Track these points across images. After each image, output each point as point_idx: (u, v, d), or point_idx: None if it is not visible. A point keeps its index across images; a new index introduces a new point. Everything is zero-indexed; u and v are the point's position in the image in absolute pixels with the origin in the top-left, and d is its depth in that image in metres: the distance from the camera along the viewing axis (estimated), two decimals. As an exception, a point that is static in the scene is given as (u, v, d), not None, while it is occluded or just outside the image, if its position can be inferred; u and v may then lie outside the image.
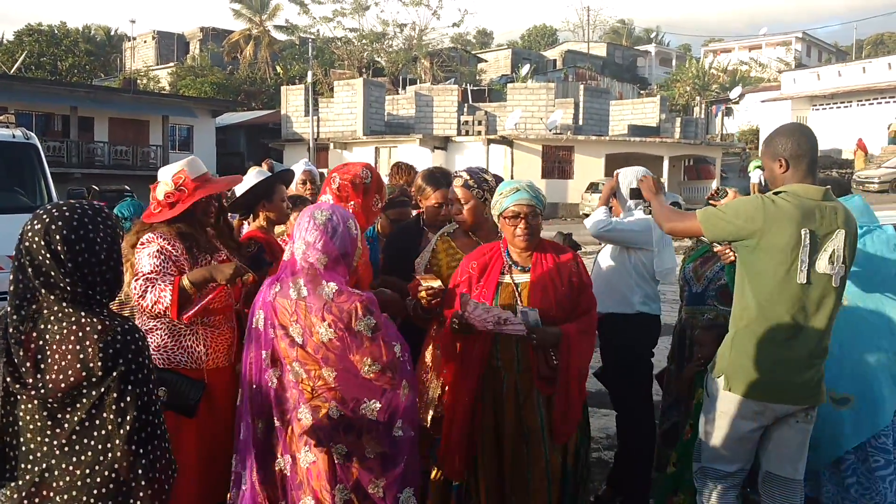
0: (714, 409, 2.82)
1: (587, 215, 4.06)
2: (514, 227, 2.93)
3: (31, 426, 1.70)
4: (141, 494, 1.69)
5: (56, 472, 1.69)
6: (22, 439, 1.71)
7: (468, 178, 3.29)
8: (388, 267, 3.57)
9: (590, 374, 3.29)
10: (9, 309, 1.73)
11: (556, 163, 27.40)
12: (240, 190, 3.72)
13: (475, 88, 38.68)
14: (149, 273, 2.73)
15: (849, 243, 2.68)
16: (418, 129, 28.70)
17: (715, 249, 3.47)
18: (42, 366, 1.69)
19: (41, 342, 1.70)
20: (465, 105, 31.06)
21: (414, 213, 4.09)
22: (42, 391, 1.67)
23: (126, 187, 22.81)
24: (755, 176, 27.15)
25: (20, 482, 1.71)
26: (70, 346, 1.68)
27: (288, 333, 2.48)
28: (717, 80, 46.17)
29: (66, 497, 1.68)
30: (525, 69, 42.07)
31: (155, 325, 2.85)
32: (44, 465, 1.70)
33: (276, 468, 2.55)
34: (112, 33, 58.00)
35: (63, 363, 1.67)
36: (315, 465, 2.47)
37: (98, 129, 30.52)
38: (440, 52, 40.97)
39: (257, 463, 2.55)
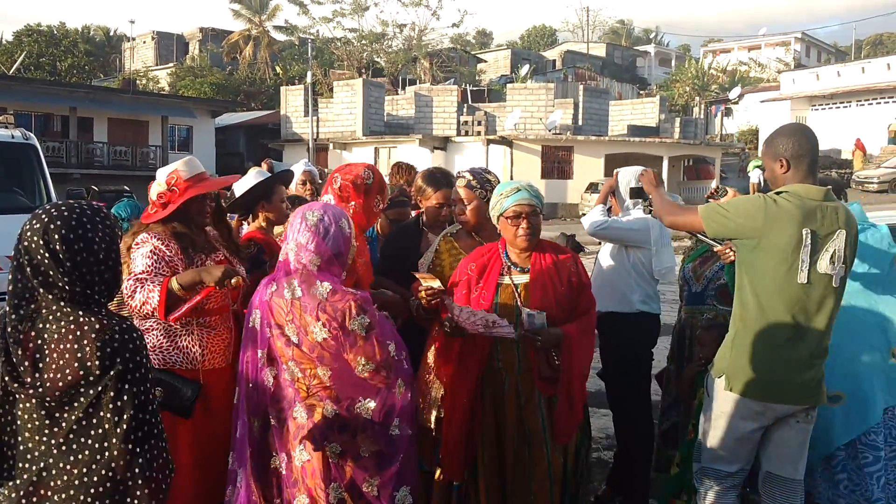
0: (715, 409, 2.82)
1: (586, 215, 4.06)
2: (515, 228, 2.92)
3: (29, 425, 1.71)
4: (138, 493, 1.69)
5: (54, 472, 1.69)
6: (20, 438, 1.71)
7: (471, 178, 3.29)
8: (385, 267, 3.56)
9: (590, 374, 3.29)
10: (7, 308, 1.73)
11: (556, 163, 27.40)
12: (239, 190, 3.72)
13: (475, 89, 38.68)
14: (139, 273, 2.73)
15: (850, 244, 2.68)
16: (418, 129, 28.70)
17: (715, 249, 3.47)
18: (40, 365, 1.69)
19: (39, 341, 1.70)
20: (465, 105, 31.07)
21: (413, 213, 4.09)
22: (40, 390, 1.68)
23: (125, 188, 22.81)
24: (754, 176, 27.16)
25: (18, 481, 1.71)
26: (68, 345, 1.68)
27: (284, 333, 2.49)
28: (717, 81, 46.18)
29: (63, 496, 1.68)
30: (524, 69, 42.07)
31: (151, 326, 2.85)
32: (41, 465, 1.70)
33: (272, 466, 2.56)
34: (111, 34, 58.00)
35: (61, 362, 1.68)
36: (309, 464, 2.48)
37: (97, 129, 30.51)
38: (440, 53, 40.99)
39: (252, 461, 2.56)
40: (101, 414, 1.67)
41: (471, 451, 2.96)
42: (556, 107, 28.48)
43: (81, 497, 1.68)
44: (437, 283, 3.06)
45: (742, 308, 2.75)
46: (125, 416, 1.67)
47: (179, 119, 32.23)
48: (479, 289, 2.97)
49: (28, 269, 1.72)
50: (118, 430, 1.66)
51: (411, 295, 3.19)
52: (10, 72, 34.67)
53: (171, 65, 48.46)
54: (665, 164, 27.62)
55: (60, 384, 1.67)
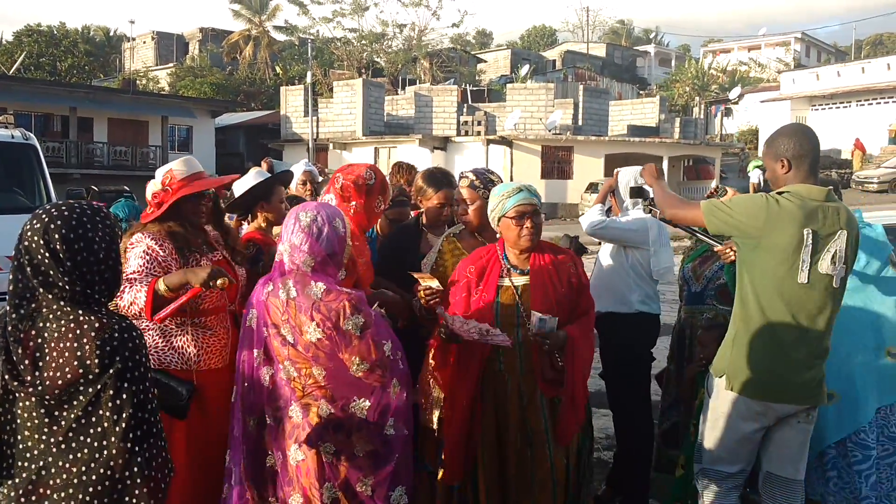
0: (715, 409, 2.81)
1: (586, 215, 4.06)
2: (519, 228, 2.92)
3: (29, 424, 1.71)
4: (136, 493, 1.69)
5: (52, 470, 1.70)
6: (19, 437, 1.72)
7: (474, 178, 3.28)
8: (383, 267, 3.54)
9: (590, 374, 3.28)
10: (8, 307, 1.74)
11: (556, 163, 27.39)
12: (238, 191, 3.72)
13: (475, 89, 38.67)
14: (130, 274, 2.73)
15: (851, 244, 2.67)
16: (418, 129, 28.70)
17: (715, 249, 3.47)
18: (40, 363, 1.69)
19: (40, 340, 1.71)
20: (465, 105, 31.06)
21: (413, 213, 4.08)
22: (39, 388, 1.68)
23: (125, 188, 22.80)
24: (754, 176, 27.17)
25: (17, 480, 1.71)
26: (67, 344, 1.69)
27: (280, 332, 2.50)
28: (717, 81, 46.16)
29: (62, 495, 1.69)
30: (524, 69, 42.04)
31: (147, 325, 2.84)
32: (41, 463, 1.70)
33: (268, 465, 2.56)
34: (111, 34, 58.00)
35: (60, 360, 1.68)
36: (304, 463, 2.48)
37: (97, 129, 30.52)
38: (440, 53, 40.98)
39: (246, 459, 2.57)
40: (100, 412, 1.68)
41: (471, 452, 2.96)
42: (556, 107, 28.47)
43: (80, 496, 1.68)
44: (435, 283, 3.05)
45: (743, 307, 2.74)
46: (124, 415, 1.67)
47: (179, 119, 32.23)
48: (479, 291, 2.97)
49: (28, 269, 1.72)
50: (117, 429, 1.67)
51: (411, 295, 3.18)
52: (10, 72, 34.68)
53: (171, 65, 48.46)
54: (665, 164, 27.60)
55: (60, 382, 1.67)
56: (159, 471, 1.73)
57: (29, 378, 1.69)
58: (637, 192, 3.71)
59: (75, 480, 1.68)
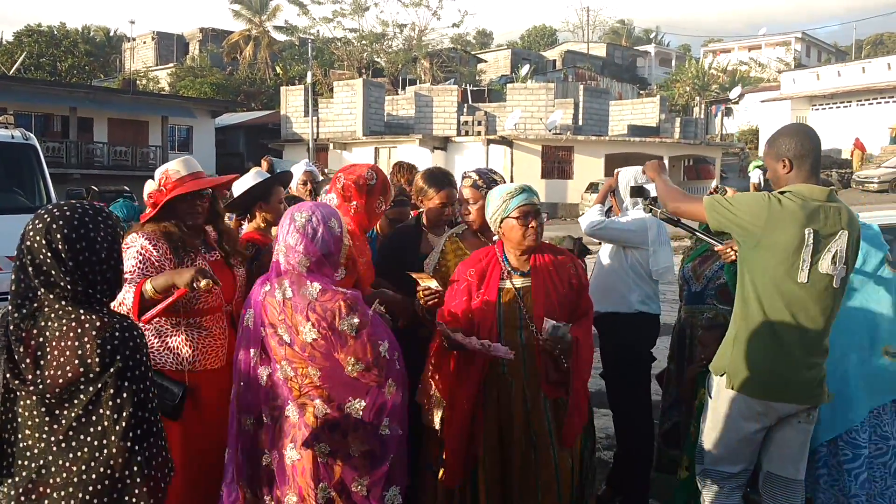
0: (716, 409, 2.81)
1: (586, 215, 4.05)
2: (524, 228, 2.92)
3: (30, 422, 1.71)
4: (136, 492, 1.69)
5: (53, 469, 1.70)
6: (20, 435, 1.72)
7: (477, 178, 3.28)
8: (382, 267, 3.52)
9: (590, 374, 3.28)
10: (10, 307, 1.75)
11: (556, 163, 27.40)
12: (237, 191, 3.71)
13: (475, 89, 38.68)
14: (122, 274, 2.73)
15: (852, 244, 2.67)
16: (418, 129, 28.70)
17: (716, 249, 3.47)
18: (41, 362, 1.70)
19: (41, 339, 1.71)
20: (465, 105, 31.06)
21: (412, 213, 4.07)
22: (40, 387, 1.68)
23: (125, 188, 22.80)
24: (755, 176, 27.17)
25: (17, 479, 1.71)
26: (69, 343, 1.69)
27: (277, 332, 2.51)
28: (717, 81, 46.16)
29: (62, 493, 1.69)
30: (525, 69, 42.06)
31: (142, 326, 2.84)
32: (41, 462, 1.70)
33: (264, 464, 2.57)
34: (111, 34, 58.03)
35: (62, 359, 1.69)
36: (300, 462, 2.49)
37: (97, 129, 30.53)
38: (440, 53, 40.98)
39: (241, 458, 2.57)
40: (101, 411, 1.68)
41: (472, 454, 2.95)
42: (556, 107, 28.48)
43: (80, 494, 1.68)
44: (434, 284, 3.05)
45: (743, 306, 2.74)
46: (124, 414, 1.67)
47: (179, 119, 32.24)
48: (480, 294, 2.96)
49: (30, 269, 1.73)
50: (117, 428, 1.67)
51: (411, 296, 3.17)
52: (11, 72, 34.68)
53: (171, 65, 48.49)
54: (665, 163, 27.48)
55: (61, 381, 1.68)
56: (159, 470, 1.73)
57: (30, 377, 1.69)
58: (637, 192, 3.70)
59: (75, 479, 1.68)
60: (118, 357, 1.68)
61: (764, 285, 2.67)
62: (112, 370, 1.67)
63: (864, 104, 36.39)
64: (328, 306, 2.45)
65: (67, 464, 1.69)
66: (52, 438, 1.70)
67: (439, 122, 29.11)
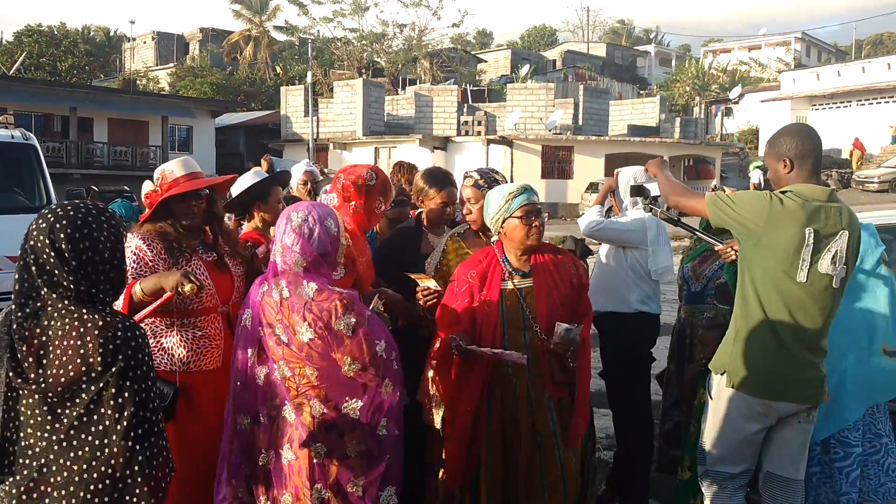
0: (717, 409, 2.81)
1: (586, 215, 4.05)
2: (527, 227, 2.92)
3: (32, 421, 1.72)
4: (137, 491, 1.70)
5: (54, 468, 1.70)
6: (22, 434, 1.73)
7: (479, 178, 3.28)
8: (382, 268, 3.51)
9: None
10: (13, 306, 1.76)
11: (556, 163, 27.40)
12: (236, 191, 3.71)
13: (475, 89, 38.68)
14: None
15: (852, 245, 2.67)
16: (418, 129, 28.70)
17: (716, 248, 3.47)
18: (44, 361, 1.70)
19: (44, 338, 1.72)
20: (465, 105, 31.06)
21: (412, 213, 4.07)
22: (42, 385, 1.69)
23: (125, 188, 22.82)
24: (755, 176, 27.18)
25: (18, 477, 1.72)
26: (71, 342, 1.70)
27: (274, 332, 2.51)
28: (717, 81, 46.17)
29: (63, 492, 1.69)
30: (525, 69, 42.07)
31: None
32: (42, 461, 1.71)
33: (261, 463, 2.56)
34: (111, 34, 58.06)
35: (64, 358, 1.69)
36: (296, 462, 2.48)
37: (97, 129, 30.54)
38: (440, 53, 40.98)
39: (234, 457, 2.57)
40: (102, 411, 1.69)
41: (474, 457, 2.94)
42: (556, 107, 28.48)
43: (81, 493, 1.69)
44: (433, 284, 3.05)
45: (744, 304, 2.74)
46: (125, 413, 1.68)
47: (179, 119, 32.25)
48: (482, 295, 2.95)
49: (34, 268, 1.74)
50: (118, 427, 1.68)
51: (410, 296, 3.17)
52: (11, 72, 34.69)
53: (171, 65, 48.51)
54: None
55: (63, 380, 1.68)
56: (160, 470, 1.74)
57: (33, 376, 1.70)
58: (637, 191, 3.70)
59: (76, 478, 1.69)
60: (120, 357, 1.69)
61: (763, 284, 2.67)
62: (114, 370, 1.68)
63: (864, 104, 36.39)
64: (324, 306, 2.45)
65: (69, 463, 1.70)
66: (54, 437, 1.71)
67: (439, 122, 29.11)
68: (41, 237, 1.73)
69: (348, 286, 2.83)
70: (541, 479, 2.91)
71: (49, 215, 1.75)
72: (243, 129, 35.96)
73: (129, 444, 1.68)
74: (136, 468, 1.69)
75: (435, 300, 3.06)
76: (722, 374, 2.78)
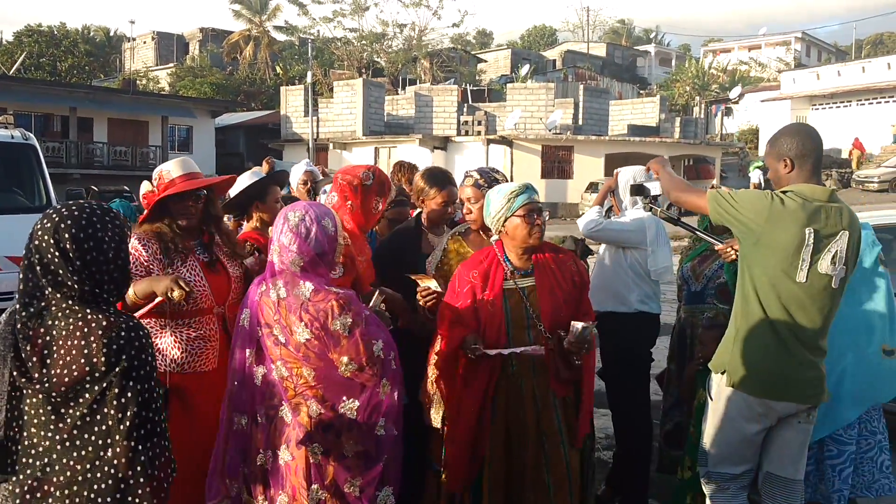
0: (717, 410, 2.81)
1: (586, 215, 4.05)
2: (529, 225, 2.92)
3: (36, 420, 1.72)
4: (139, 492, 1.70)
5: (57, 467, 1.71)
6: (25, 433, 1.73)
7: (479, 177, 3.28)
8: (382, 268, 3.51)
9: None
10: (17, 306, 1.76)
11: (556, 163, 27.41)
12: (234, 192, 3.71)
13: (475, 88, 38.68)
14: None
15: (852, 245, 2.66)
16: (418, 129, 28.71)
17: (716, 248, 3.47)
18: (48, 361, 1.71)
19: (48, 338, 1.73)
20: (465, 105, 31.07)
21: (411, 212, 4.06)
22: (46, 385, 1.70)
23: (125, 188, 22.83)
24: (755, 176, 27.20)
25: (21, 476, 1.72)
26: (75, 342, 1.71)
27: (272, 332, 2.51)
28: (717, 80, 46.18)
29: (66, 492, 1.70)
30: (525, 69, 42.05)
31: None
32: (45, 460, 1.72)
33: (258, 463, 2.56)
34: (111, 34, 58.06)
35: (68, 358, 1.70)
36: (293, 462, 2.49)
37: (97, 129, 30.55)
38: (440, 53, 40.99)
39: (235, 456, 2.57)
40: (105, 410, 1.69)
41: (477, 458, 2.93)
42: (556, 107, 28.49)
43: (84, 493, 1.69)
44: (433, 284, 3.04)
45: (744, 303, 2.74)
46: (128, 413, 1.68)
47: (179, 119, 32.26)
48: (485, 296, 2.95)
49: (38, 268, 1.74)
50: (121, 427, 1.68)
51: (410, 296, 3.17)
52: (11, 72, 34.70)
53: (171, 65, 48.53)
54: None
55: (66, 380, 1.69)
56: (162, 470, 1.74)
57: (37, 375, 1.70)
58: (637, 190, 3.69)
59: (79, 478, 1.69)
60: (124, 357, 1.69)
61: (763, 283, 2.67)
62: (117, 370, 1.68)
63: (863, 104, 36.39)
64: (321, 307, 2.45)
65: (72, 462, 1.70)
66: (57, 437, 1.71)
67: (439, 122, 29.12)
68: (46, 237, 1.74)
69: (347, 285, 2.83)
70: (546, 478, 2.91)
71: (54, 215, 1.76)
72: (243, 129, 35.97)
73: (132, 444, 1.68)
74: (139, 468, 1.69)
75: (435, 300, 3.06)
76: (722, 373, 2.78)
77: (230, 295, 2.99)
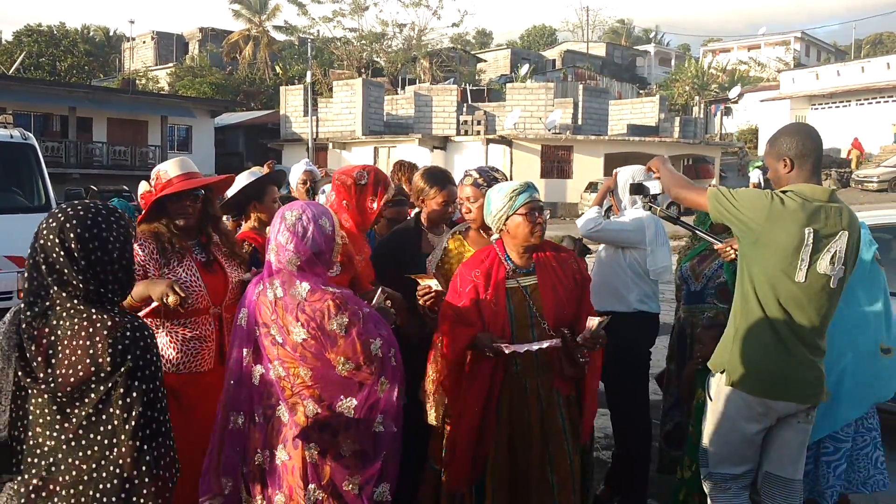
0: (717, 410, 2.81)
1: (585, 214, 4.05)
2: (531, 224, 2.92)
3: (41, 420, 1.73)
4: (144, 491, 1.70)
5: (62, 467, 1.71)
6: (31, 433, 1.74)
7: (478, 176, 3.28)
8: (381, 268, 3.50)
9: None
10: (22, 305, 1.77)
11: (555, 162, 27.41)
12: (232, 192, 3.71)
13: (474, 88, 38.68)
14: None
15: (852, 245, 2.67)
16: (417, 129, 28.70)
17: (716, 247, 3.46)
18: (53, 361, 1.71)
19: (53, 338, 1.73)
20: (465, 105, 31.07)
21: (410, 212, 4.06)
22: (52, 385, 1.70)
23: (124, 187, 22.80)
24: (754, 176, 27.18)
25: (27, 476, 1.73)
26: (80, 342, 1.71)
27: (270, 332, 2.51)
28: (716, 80, 46.18)
29: (71, 492, 1.70)
30: (524, 69, 42.06)
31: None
32: (51, 460, 1.72)
33: (256, 463, 2.57)
34: (111, 34, 58.02)
35: (73, 358, 1.70)
36: (290, 461, 2.49)
37: (97, 129, 30.54)
38: (439, 53, 41.00)
39: (232, 454, 2.58)
40: (111, 410, 1.70)
41: (480, 458, 2.93)
42: (555, 106, 28.49)
43: (90, 493, 1.70)
44: (434, 283, 3.04)
45: (743, 302, 2.74)
46: (134, 413, 1.69)
47: (179, 119, 32.25)
48: (488, 295, 2.95)
49: (43, 267, 1.75)
50: (126, 427, 1.69)
51: (410, 296, 3.16)
52: (10, 72, 34.67)
53: (170, 65, 48.52)
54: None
55: (72, 380, 1.69)
56: (167, 470, 1.74)
57: (42, 375, 1.71)
58: (637, 189, 3.69)
59: (85, 478, 1.70)
60: (129, 357, 1.70)
61: (762, 283, 2.68)
62: (123, 370, 1.69)
63: (863, 104, 36.40)
64: (317, 306, 2.45)
65: (77, 462, 1.71)
66: (63, 437, 1.71)
67: (439, 122, 29.12)
68: (51, 236, 1.74)
69: (345, 284, 2.83)
70: (550, 477, 2.91)
71: (59, 215, 1.77)
72: (243, 129, 35.96)
73: (138, 444, 1.69)
74: (144, 468, 1.70)
75: (434, 300, 3.06)
76: (721, 372, 2.79)
77: (227, 295, 2.98)
